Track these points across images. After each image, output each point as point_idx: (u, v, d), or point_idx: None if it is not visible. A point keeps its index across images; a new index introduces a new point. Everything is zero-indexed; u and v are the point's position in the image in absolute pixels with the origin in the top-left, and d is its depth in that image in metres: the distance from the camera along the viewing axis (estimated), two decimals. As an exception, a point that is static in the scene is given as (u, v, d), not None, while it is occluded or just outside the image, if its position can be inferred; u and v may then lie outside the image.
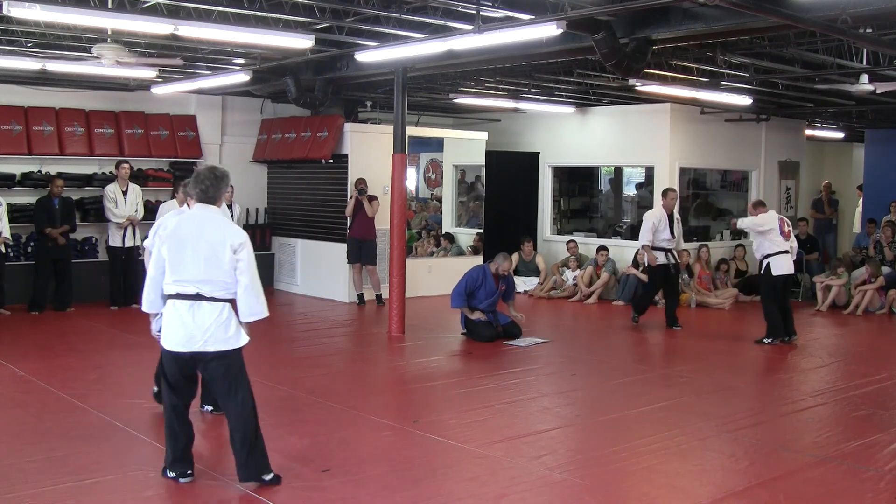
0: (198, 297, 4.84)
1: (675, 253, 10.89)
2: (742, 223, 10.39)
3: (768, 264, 9.81)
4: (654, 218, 10.72)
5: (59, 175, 12.00)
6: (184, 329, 4.84)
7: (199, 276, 4.83)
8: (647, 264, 11.05)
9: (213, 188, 4.97)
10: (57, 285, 11.45)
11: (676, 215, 10.96)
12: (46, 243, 11.32)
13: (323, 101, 12.03)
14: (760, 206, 10.21)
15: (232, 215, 12.61)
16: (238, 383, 4.95)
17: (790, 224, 10.31)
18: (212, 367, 4.93)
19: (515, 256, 14.28)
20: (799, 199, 16.60)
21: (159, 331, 5.06)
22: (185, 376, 5.03)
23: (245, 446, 4.93)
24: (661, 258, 10.72)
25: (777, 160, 15.87)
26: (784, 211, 15.92)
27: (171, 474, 5.08)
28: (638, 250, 11.71)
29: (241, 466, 4.97)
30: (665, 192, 10.94)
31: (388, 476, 5.28)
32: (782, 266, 9.78)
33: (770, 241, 9.81)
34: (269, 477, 5.00)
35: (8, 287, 11.22)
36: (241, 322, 4.95)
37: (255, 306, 4.92)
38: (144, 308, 5.18)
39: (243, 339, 4.97)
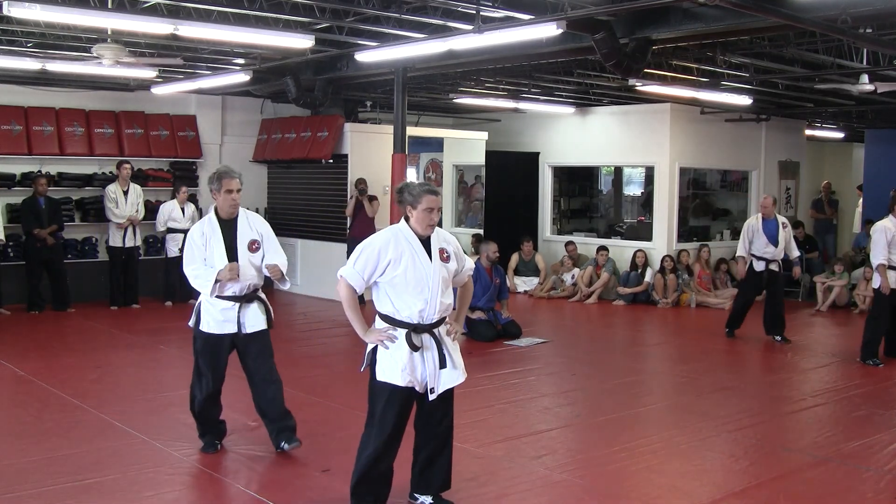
0: None
1: None
2: (874, 257, 8.60)
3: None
4: (888, 232, 8.51)
5: (60, 175, 12.03)
6: None
7: None
8: (880, 290, 8.62)
9: None
10: (52, 286, 11.40)
11: None
12: (35, 244, 11.18)
13: (323, 101, 12.02)
14: None
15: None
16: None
17: None
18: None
19: (515, 256, 14.30)
20: (799, 199, 16.60)
21: None
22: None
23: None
24: None
25: (777, 160, 15.87)
26: (784, 211, 15.92)
27: None
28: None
29: None
30: None
31: (388, 476, 5.28)
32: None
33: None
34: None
35: (8, 287, 11.22)
36: None
37: None
38: None
39: None
